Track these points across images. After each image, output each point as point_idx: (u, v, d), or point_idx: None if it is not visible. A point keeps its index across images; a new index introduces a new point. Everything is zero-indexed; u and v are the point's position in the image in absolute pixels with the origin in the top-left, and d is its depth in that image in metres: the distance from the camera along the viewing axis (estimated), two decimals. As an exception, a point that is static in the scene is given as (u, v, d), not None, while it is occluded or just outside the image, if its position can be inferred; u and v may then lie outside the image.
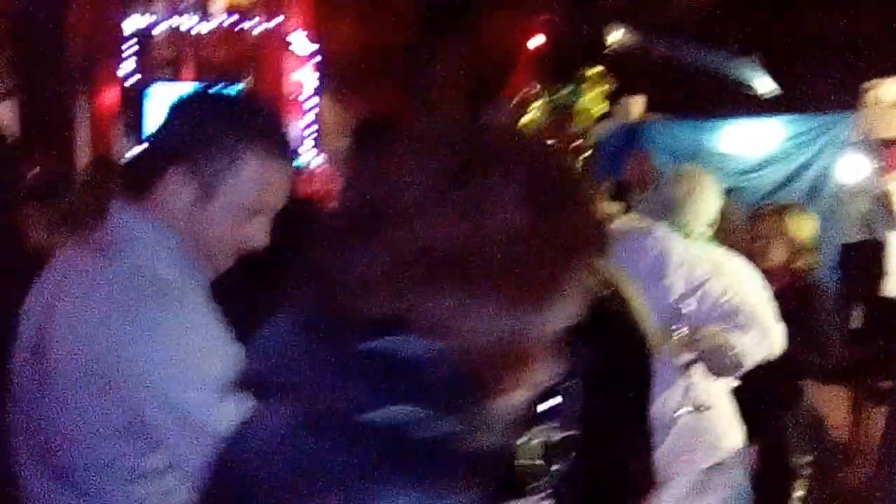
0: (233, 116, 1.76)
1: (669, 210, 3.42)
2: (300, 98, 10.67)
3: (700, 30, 9.93)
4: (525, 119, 8.50)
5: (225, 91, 1.87)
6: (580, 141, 8.39)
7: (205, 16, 10.41)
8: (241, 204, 1.74)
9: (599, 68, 8.75)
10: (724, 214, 3.74)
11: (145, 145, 1.80)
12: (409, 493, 0.93)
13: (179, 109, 1.78)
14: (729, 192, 5.32)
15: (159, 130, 1.78)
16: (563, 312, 1.02)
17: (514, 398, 1.04)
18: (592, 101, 8.71)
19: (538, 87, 9.10)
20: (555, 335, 1.03)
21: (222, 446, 1.10)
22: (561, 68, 9.96)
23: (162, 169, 1.72)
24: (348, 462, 0.94)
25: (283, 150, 1.79)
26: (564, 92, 8.76)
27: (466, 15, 10.19)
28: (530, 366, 1.03)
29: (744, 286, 3.27)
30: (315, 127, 10.68)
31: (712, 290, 3.19)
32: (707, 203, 3.47)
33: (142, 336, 1.59)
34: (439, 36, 10.25)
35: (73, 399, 1.63)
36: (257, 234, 1.78)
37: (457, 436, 0.95)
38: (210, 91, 1.87)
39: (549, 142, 7.69)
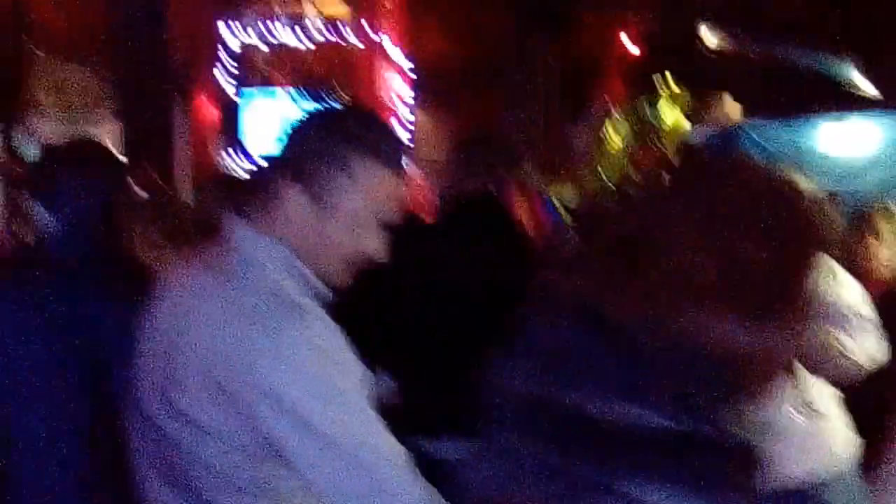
0: (345, 130, 1.77)
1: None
2: (395, 110, 10.79)
3: (797, 28, 9.73)
4: (610, 140, 8.40)
5: (332, 105, 1.88)
6: (668, 155, 8.30)
7: (301, 28, 10.63)
8: (358, 217, 1.74)
9: (677, 85, 8.65)
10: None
11: (261, 163, 1.85)
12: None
13: (293, 128, 1.81)
14: (829, 195, 5.23)
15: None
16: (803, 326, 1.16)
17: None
18: (674, 118, 8.61)
19: (619, 103, 9.06)
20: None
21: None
22: (652, 71, 9.87)
23: (278, 187, 1.73)
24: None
25: (398, 160, 1.79)
26: (647, 111, 8.68)
27: (558, 21, 10.14)
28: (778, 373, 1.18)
29: (852, 290, 3.22)
30: (409, 138, 10.77)
31: (823, 292, 3.13)
32: None
33: (269, 354, 1.60)
34: (531, 45, 10.22)
35: (200, 414, 1.66)
36: (375, 246, 1.78)
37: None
38: (321, 107, 1.93)
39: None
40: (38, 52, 9.40)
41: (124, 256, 2.51)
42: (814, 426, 3.15)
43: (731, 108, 9.61)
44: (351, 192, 1.73)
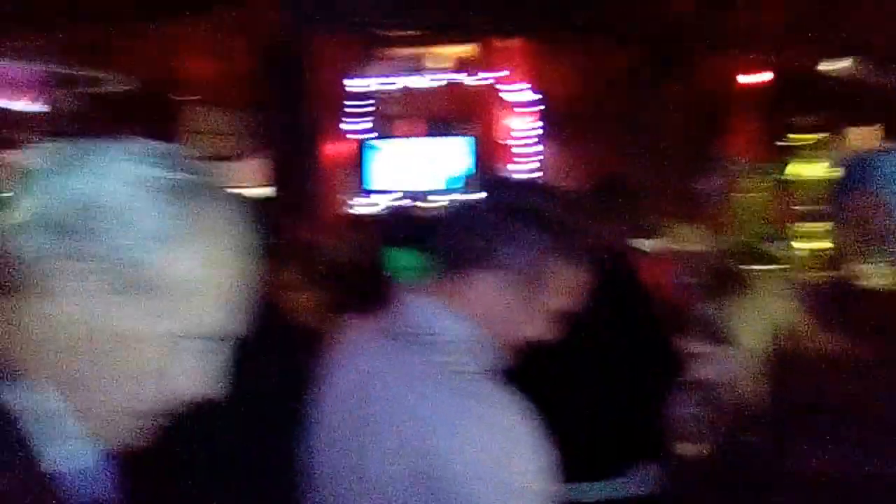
0: (536, 217, 1.78)
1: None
2: (524, 148, 10.83)
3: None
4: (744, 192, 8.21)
5: (524, 193, 1.89)
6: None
7: (428, 72, 10.81)
8: (546, 303, 1.79)
9: (817, 136, 8.47)
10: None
11: (447, 242, 1.83)
12: None
13: (478, 214, 1.82)
14: None
15: (459, 228, 1.82)
16: None
17: None
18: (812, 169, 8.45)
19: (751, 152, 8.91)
20: None
21: None
22: (785, 103, 9.71)
23: (468, 270, 1.77)
24: None
25: (580, 250, 1.83)
26: (783, 169, 8.52)
27: (684, 58, 10.08)
28: None
29: None
30: (539, 176, 10.75)
31: None
32: None
33: (446, 431, 1.63)
34: (657, 82, 10.21)
35: (382, 472, 1.70)
36: (550, 324, 1.83)
37: None
38: (511, 196, 1.88)
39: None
40: (187, 98, 9.93)
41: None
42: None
43: (868, 138, 9.40)
44: (546, 281, 1.78)
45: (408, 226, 4.78)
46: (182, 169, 1.13)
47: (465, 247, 1.79)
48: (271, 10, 9.45)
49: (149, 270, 1.09)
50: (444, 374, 1.70)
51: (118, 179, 1.09)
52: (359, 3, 9.51)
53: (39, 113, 9.12)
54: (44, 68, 8.76)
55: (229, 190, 1.20)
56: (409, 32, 9.81)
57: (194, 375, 1.15)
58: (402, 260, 3.86)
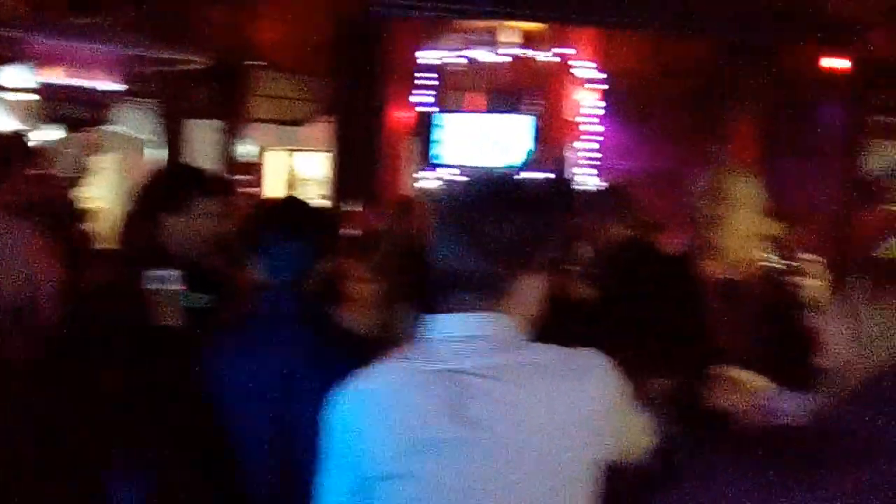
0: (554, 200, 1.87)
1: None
2: (588, 126, 10.84)
3: None
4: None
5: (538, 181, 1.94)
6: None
7: (496, 47, 10.80)
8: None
9: None
10: None
11: (494, 247, 1.78)
12: None
13: (516, 211, 1.81)
14: None
15: (498, 229, 1.79)
16: None
17: None
18: None
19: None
20: None
21: None
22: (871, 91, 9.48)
23: (514, 275, 1.79)
24: None
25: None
26: None
27: (766, 42, 9.86)
28: None
29: None
30: (600, 155, 10.83)
31: None
32: None
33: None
34: (737, 65, 10.05)
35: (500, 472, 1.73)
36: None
37: None
38: (531, 187, 1.90)
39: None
40: (258, 64, 10.11)
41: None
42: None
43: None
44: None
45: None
46: None
47: (512, 249, 1.80)
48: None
49: None
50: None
51: None
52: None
53: (118, 91, 9.27)
54: (121, 45, 8.89)
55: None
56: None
57: None
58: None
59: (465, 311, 1.78)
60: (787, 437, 1.57)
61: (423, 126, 10.91)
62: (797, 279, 3.75)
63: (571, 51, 10.73)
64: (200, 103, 9.83)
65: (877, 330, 1.64)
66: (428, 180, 10.70)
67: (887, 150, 9.74)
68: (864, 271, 1.74)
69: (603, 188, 4.95)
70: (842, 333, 1.68)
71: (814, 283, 4.13)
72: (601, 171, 10.60)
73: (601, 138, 10.83)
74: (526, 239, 1.79)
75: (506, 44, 10.79)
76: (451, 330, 1.78)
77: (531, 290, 1.81)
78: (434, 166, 10.81)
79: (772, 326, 3.19)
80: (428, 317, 1.81)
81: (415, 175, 10.86)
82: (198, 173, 3.29)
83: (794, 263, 3.89)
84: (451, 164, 10.68)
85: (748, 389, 2.50)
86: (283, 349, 2.47)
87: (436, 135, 10.92)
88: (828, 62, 9.79)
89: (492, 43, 10.82)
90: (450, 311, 1.79)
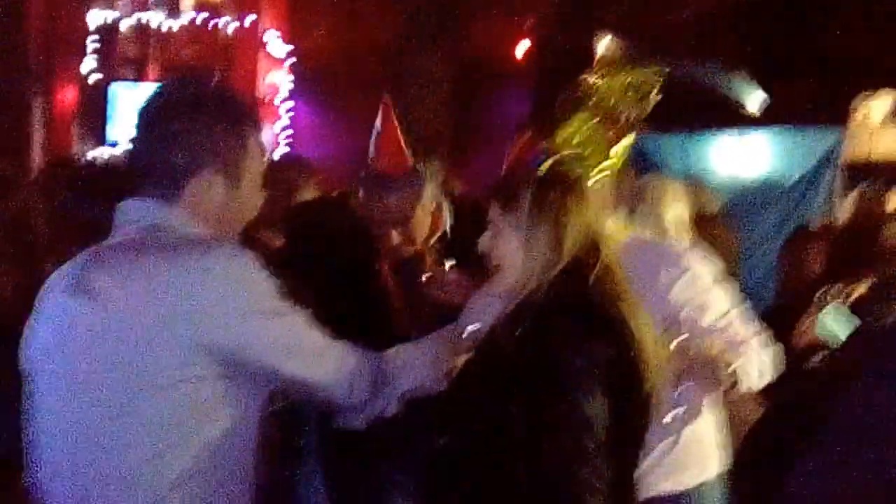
0: (231, 105, 1.97)
1: (644, 220, 3.77)
2: (274, 100, 10.53)
3: (691, 42, 9.70)
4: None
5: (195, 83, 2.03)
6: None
7: (173, 12, 10.25)
8: (255, 179, 2.00)
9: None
10: (715, 229, 4.04)
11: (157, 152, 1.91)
12: None
13: (176, 114, 1.91)
14: (721, 208, 5.16)
15: (158, 137, 1.91)
16: None
17: None
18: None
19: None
20: None
21: None
22: (550, 77, 9.66)
23: (187, 174, 1.90)
24: None
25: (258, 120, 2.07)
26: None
27: (451, 19, 9.96)
28: None
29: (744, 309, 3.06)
30: (290, 130, 10.53)
31: (714, 302, 2.98)
32: (672, 210, 3.93)
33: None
34: (422, 40, 9.97)
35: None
36: (259, 199, 2.05)
37: None
38: (198, 87, 2.00)
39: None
40: None
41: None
42: (689, 439, 3.01)
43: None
44: (250, 160, 2.01)
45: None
46: None
47: (178, 151, 1.92)
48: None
49: None
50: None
51: None
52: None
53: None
54: None
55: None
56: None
57: None
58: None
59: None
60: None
61: (93, 99, 10.11)
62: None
63: (255, 18, 10.36)
64: None
65: None
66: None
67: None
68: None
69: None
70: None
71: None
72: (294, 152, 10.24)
73: (290, 116, 10.56)
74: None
75: (182, 9, 10.28)
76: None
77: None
78: (113, 144, 9.95)
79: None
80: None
81: (85, 152, 9.91)
82: None
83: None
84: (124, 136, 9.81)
85: None
86: None
87: (109, 109, 10.17)
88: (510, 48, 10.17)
89: (166, 5, 10.25)
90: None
